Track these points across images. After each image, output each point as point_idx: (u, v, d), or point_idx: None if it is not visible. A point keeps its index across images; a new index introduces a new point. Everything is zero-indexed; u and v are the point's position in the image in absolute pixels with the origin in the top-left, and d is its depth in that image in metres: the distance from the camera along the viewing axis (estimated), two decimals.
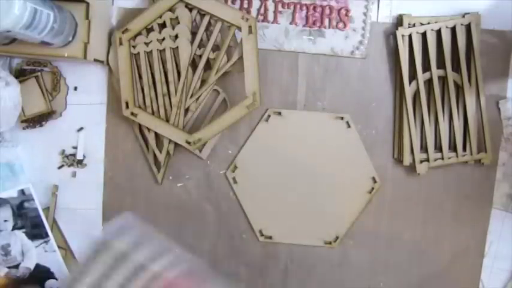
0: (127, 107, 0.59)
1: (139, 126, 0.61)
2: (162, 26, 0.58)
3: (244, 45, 0.56)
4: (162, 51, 0.58)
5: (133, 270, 0.39)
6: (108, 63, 0.60)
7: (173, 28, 0.57)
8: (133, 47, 0.58)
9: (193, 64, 0.58)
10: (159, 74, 0.58)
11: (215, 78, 0.58)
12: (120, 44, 0.58)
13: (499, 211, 0.59)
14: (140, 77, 0.59)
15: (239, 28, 0.56)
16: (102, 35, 0.59)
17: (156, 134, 0.60)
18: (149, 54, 0.59)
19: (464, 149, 0.58)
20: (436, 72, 0.58)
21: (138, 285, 0.39)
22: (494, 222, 0.59)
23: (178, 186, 0.62)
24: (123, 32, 0.58)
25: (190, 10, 0.57)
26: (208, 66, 0.58)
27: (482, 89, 0.57)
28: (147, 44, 0.58)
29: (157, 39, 0.58)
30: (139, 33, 0.58)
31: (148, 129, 0.60)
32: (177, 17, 0.57)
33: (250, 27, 0.55)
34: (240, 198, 0.61)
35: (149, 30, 0.58)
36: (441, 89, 0.58)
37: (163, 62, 0.58)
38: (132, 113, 0.59)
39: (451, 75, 0.57)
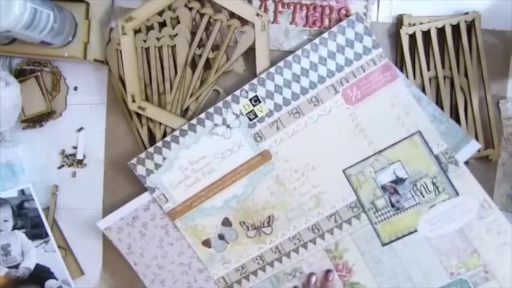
0: (133, 100, 0.58)
1: (136, 127, 0.61)
2: (162, 25, 0.58)
3: (257, 41, 0.57)
4: (160, 49, 0.58)
5: None
6: (106, 62, 0.60)
7: (173, 28, 0.57)
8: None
9: (193, 64, 0.58)
10: (155, 71, 0.58)
11: (215, 77, 0.58)
12: (124, 33, 0.57)
13: None
14: (137, 73, 0.59)
15: (252, 24, 0.57)
16: (102, 35, 0.59)
17: (151, 133, 0.60)
18: (147, 50, 0.58)
19: None
20: (440, 70, 0.58)
21: None
22: None
23: None
24: (126, 21, 0.57)
25: (190, 9, 0.57)
26: (208, 66, 0.59)
27: (488, 85, 0.58)
28: (144, 40, 0.58)
29: (157, 38, 0.58)
30: (145, 23, 0.58)
31: (142, 126, 0.60)
32: (177, 17, 0.57)
33: (263, 24, 0.56)
34: None
35: (149, 28, 0.58)
36: (445, 86, 0.59)
37: (161, 60, 0.58)
38: (139, 107, 0.58)
39: (455, 73, 0.58)
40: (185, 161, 0.57)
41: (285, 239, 0.58)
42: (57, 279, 0.62)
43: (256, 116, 0.56)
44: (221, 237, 0.59)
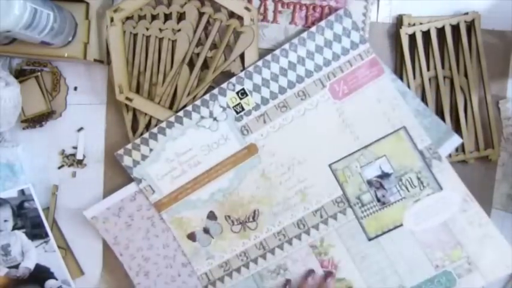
0: (121, 91, 0.58)
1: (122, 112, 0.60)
2: (167, 17, 0.58)
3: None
4: (160, 40, 0.58)
5: None
6: (107, 62, 0.60)
7: (178, 22, 0.58)
8: (134, 27, 0.58)
9: (191, 63, 0.58)
10: (152, 61, 0.59)
11: (212, 77, 0.58)
12: (112, 24, 0.57)
13: (498, 211, 0.59)
14: (133, 58, 0.59)
15: (241, 18, 0.57)
16: (102, 35, 0.59)
17: (135, 120, 0.60)
18: (147, 38, 0.59)
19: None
20: (440, 70, 0.58)
21: None
22: (494, 222, 0.58)
23: None
24: (114, 11, 0.57)
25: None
26: (205, 65, 0.59)
27: (488, 85, 0.58)
28: (147, 28, 0.58)
29: (160, 29, 0.58)
30: (134, 15, 0.58)
31: (128, 112, 0.60)
32: (184, 12, 0.58)
33: (252, 19, 0.56)
34: None
35: (154, 17, 0.58)
36: (445, 86, 0.58)
37: (159, 51, 0.59)
38: (127, 98, 0.58)
39: (455, 73, 0.58)
40: (171, 152, 0.58)
41: (269, 235, 0.58)
42: (57, 279, 0.62)
43: (243, 109, 0.57)
44: (206, 231, 0.59)
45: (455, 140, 0.56)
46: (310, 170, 0.57)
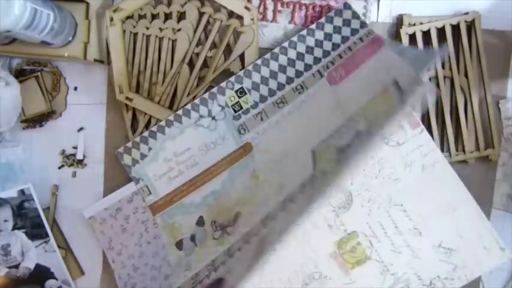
0: (121, 91, 0.58)
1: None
2: (167, 16, 0.58)
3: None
4: (160, 39, 0.59)
5: None
6: (107, 62, 0.60)
7: (178, 22, 0.58)
8: (134, 26, 0.58)
9: (191, 62, 0.59)
10: (152, 60, 0.59)
11: (213, 77, 0.58)
12: (112, 24, 0.58)
13: (499, 211, 0.59)
14: (133, 58, 0.59)
15: (241, 18, 0.57)
16: (102, 35, 0.59)
17: (134, 118, 0.60)
18: (148, 38, 0.59)
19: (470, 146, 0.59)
20: (440, 70, 0.58)
21: None
22: (494, 222, 0.59)
23: None
24: (114, 11, 0.57)
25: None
26: (205, 65, 0.59)
27: (488, 85, 0.58)
28: (147, 28, 0.58)
29: (160, 28, 0.58)
30: (135, 15, 0.58)
31: (127, 111, 0.60)
32: (184, 12, 0.58)
33: (252, 18, 0.56)
34: None
35: (154, 16, 0.58)
36: (445, 86, 0.58)
37: (160, 51, 0.59)
38: (127, 98, 0.58)
39: (456, 73, 0.58)
40: (170, 152, 0.57)
41: (237, 238, 0.56)
42: (57, 279, 0.62)
43: (241, 107, 0.57)
44: (192, 238, 0.58)
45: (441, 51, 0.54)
46: (296, 161, 0.55)
